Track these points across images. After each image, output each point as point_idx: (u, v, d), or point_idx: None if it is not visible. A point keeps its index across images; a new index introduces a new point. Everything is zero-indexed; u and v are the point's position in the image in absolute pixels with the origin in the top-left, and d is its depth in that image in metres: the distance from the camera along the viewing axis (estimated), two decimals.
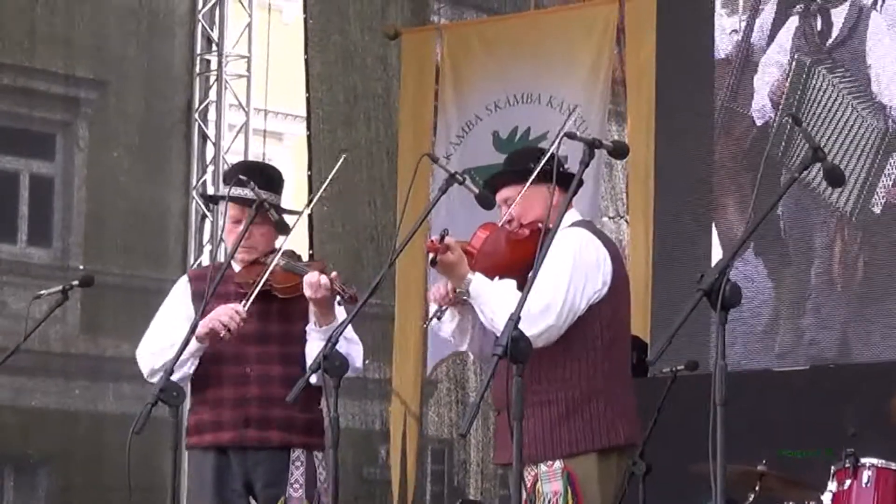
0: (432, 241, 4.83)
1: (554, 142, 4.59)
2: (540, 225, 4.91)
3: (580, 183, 5.00)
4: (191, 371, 5.42)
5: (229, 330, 5.30)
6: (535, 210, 4.98)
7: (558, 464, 4.87)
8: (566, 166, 5.04)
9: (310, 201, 5.66)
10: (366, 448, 10.27)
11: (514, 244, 4.98)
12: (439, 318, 4.95)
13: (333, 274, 5.33)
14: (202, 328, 5.29)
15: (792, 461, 6.93)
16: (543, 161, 4.85)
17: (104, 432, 9.93)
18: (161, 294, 5.75)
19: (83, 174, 10.56)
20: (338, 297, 5.26)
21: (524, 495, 4.87)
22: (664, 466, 6.49)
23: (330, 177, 5.68)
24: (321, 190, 5.62)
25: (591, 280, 4.87)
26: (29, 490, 10.49)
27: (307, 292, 5.30)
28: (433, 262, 4.84)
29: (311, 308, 5.36)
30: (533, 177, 4.89)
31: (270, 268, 5.39)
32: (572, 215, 5.04)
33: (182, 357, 5.18)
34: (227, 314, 5.31)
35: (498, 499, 9.85)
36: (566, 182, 4.83)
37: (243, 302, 5.34)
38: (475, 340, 5.13)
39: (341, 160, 5.68)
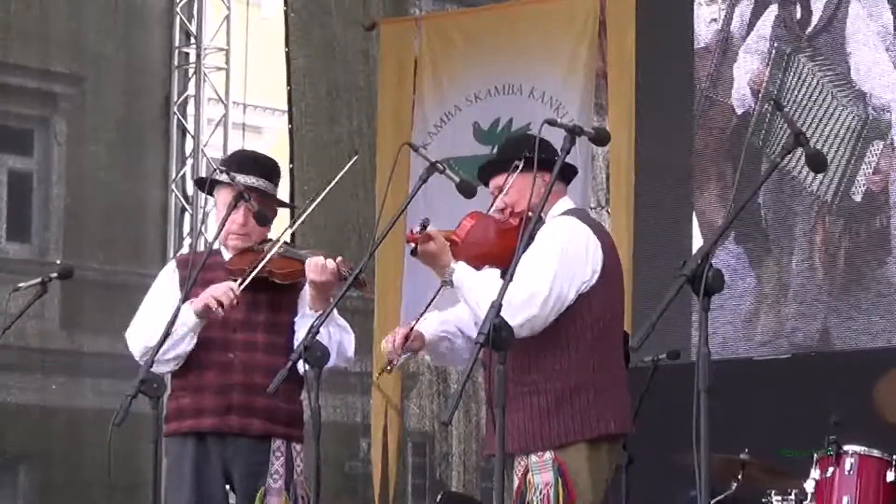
0: (412, 231, 4.79)
1: (540, 129, 4.57)
2: (530, 214, 4.84)
3: (574, 171, 5.04)
4: (189, 349, 5.34)
5: (222, 305, 5.26)
6: (528, 199, 4.88)
7: (549, 455, 4.82)
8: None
9: (312, 200, 5.70)
10: (347, 442, 10.25)
11: (502, 233, 4.92)
12: (389, 372, 4.98)
13: (339, 258, 5.30)
14: (198, 304, 5.25)
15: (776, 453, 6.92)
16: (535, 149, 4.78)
17: (83, 428, 9.88)
18: (141, 288, 5.71)
19: (61, 169, 10.52)
20: (346, 282, 5.18)
21: (515, 485, 4.85)
22: (647, 456, 6.48)
23: (339, 175, 5.60)
24: (329, 187, 5.57)
25: (579, 270, 4.82)
26: (9, 487, 10.45)
27: (312, 275, 5.25)
28: (413, 253, 4.81)
29: (310, 292, 5.32)
30: (521, 166, 4.84)
31: (270, 254, 5.35)
32: (565, 203, 5.00)
33: (179, 334, 5.17)
34: (221, 290, 5.26)
35: (480, 491, 9.84)
36: (560, 172, 4.79)
37: (238, 280, 5.29)
38: (461, 355, 5.08)
39: (353, 160, 5.63)
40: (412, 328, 4.92)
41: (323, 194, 5.58)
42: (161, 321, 5.20)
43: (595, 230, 4.95)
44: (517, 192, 4.90)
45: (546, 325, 4.77)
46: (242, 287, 5.29)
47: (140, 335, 5.42)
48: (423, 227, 4.77)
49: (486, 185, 5.08)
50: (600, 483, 4.87)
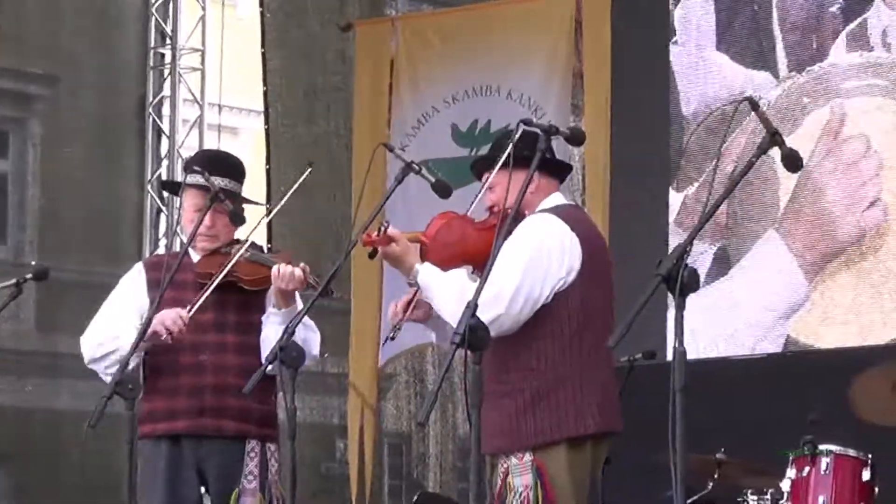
0: (368, 234, 4.72)
1: (517, 128, 4.55)
2: (509, 211, 4.68)
3: (568, 168, 5.06)
4: (130, 368, 5.35)
5: (171, 334, 5.26)
6: (514, 196, 4.63)
7: (528, 456, 4.75)
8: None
9: (269, 211, 5.80)
10: (324, 443, 10.24)
11: (479, 232, 4.84)
12: (393, 339, 4.91)
13: (303, 265, 5.29)
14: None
15: (754, 450, 6.92)
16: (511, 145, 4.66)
17: (60, 430, 9.86)
18: None
19: (36, 170, 10.50)
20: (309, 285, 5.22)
21: (497, 487, 4.83)
22: (623, 456, 6.47)
23: (293, 188, 5.63)
24: (284, 200, 5.63)
25: (552, 268, 4.73)
26: None
27: (278, 283, 5.25)
28: (371, 256, 4.76)
29: (274, 293, 5.33)
30: (499, 163, 4.76)
31: (235, 258, 5.35)
32: (555, 199, 4.93)
33: (122, 354, 5.15)
34: (171, 318, 5.27)
35: (457, 492, 9.83)
36: (549, 168, 4.80)
37: (188, 307, 5.30)
38: None
39: (307, 172, 5.64)
40: (415, 295, 4.83)
41: (278, 207, 5.63)
42: (112, 330, 5.24)
43: (575, 226, 4.83)
44: (504, 189, 4.74)
45: (518, 324, 4.70)
46: (192, 312, 5.28)
47: (90, 344, 5.44)
48: (382, 229, 4.70)
49: (480, 180, 5.01)
50: (583, 484, 4.81)
